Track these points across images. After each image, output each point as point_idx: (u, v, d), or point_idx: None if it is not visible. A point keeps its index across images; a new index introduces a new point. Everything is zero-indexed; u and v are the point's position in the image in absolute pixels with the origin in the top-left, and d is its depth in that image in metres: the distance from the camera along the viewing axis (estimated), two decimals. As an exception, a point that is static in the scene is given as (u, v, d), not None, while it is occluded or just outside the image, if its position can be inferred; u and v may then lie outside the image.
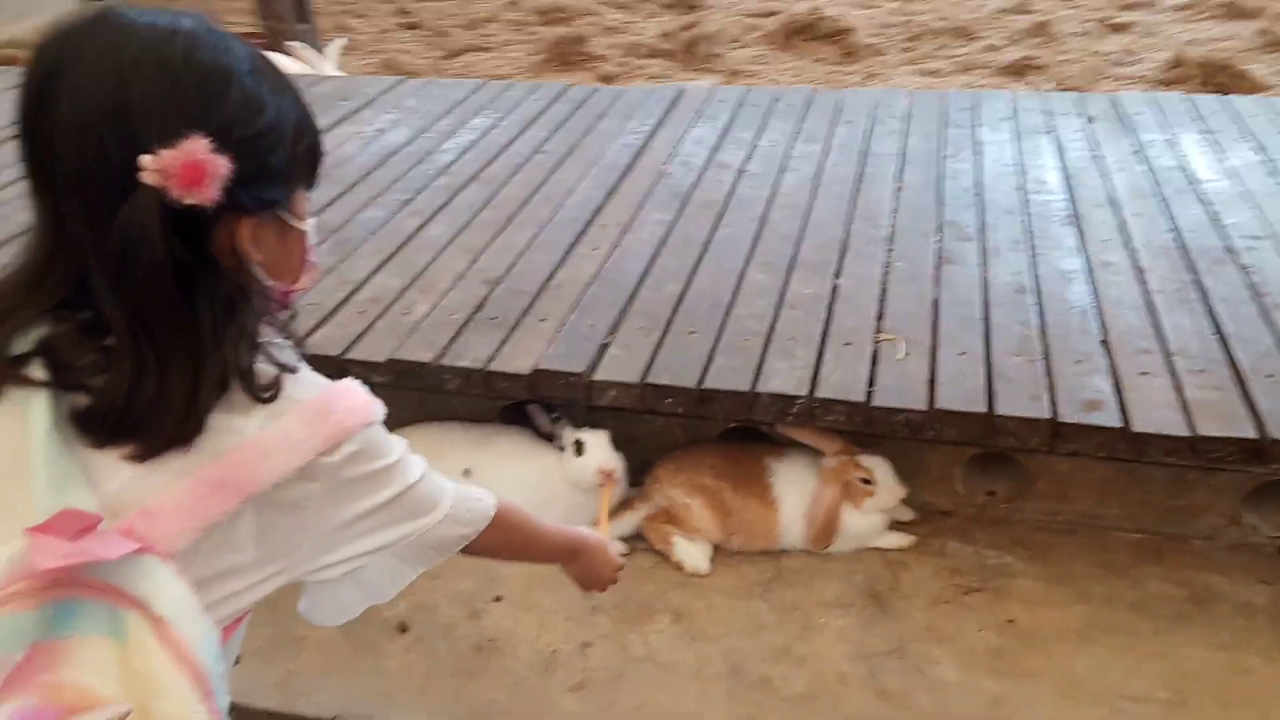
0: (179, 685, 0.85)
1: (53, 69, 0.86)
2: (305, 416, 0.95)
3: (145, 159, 0.83)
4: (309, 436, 0.95)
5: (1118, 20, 6.84)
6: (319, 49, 5.45)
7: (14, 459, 0.86)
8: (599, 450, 2.23)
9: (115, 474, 0.89)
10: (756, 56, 6.56)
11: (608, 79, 6.15)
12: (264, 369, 0.95)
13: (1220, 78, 5.68)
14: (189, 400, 0.89)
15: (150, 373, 0.87)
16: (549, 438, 2.27)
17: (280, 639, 2.05)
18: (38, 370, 0.88)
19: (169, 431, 0.88)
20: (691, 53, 6.55)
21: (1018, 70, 6.09)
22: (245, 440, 0.92)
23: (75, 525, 0.83)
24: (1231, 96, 3.47)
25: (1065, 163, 3.08)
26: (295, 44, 4.88)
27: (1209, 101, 3.47)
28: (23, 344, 0.88)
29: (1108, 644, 1.97)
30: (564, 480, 2.26)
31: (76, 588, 0.84)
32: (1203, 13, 6.94)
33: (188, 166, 0.84)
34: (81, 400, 0.88)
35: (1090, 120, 3.38)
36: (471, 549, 1.24)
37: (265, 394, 0.93)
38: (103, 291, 0.87)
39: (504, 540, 1.30)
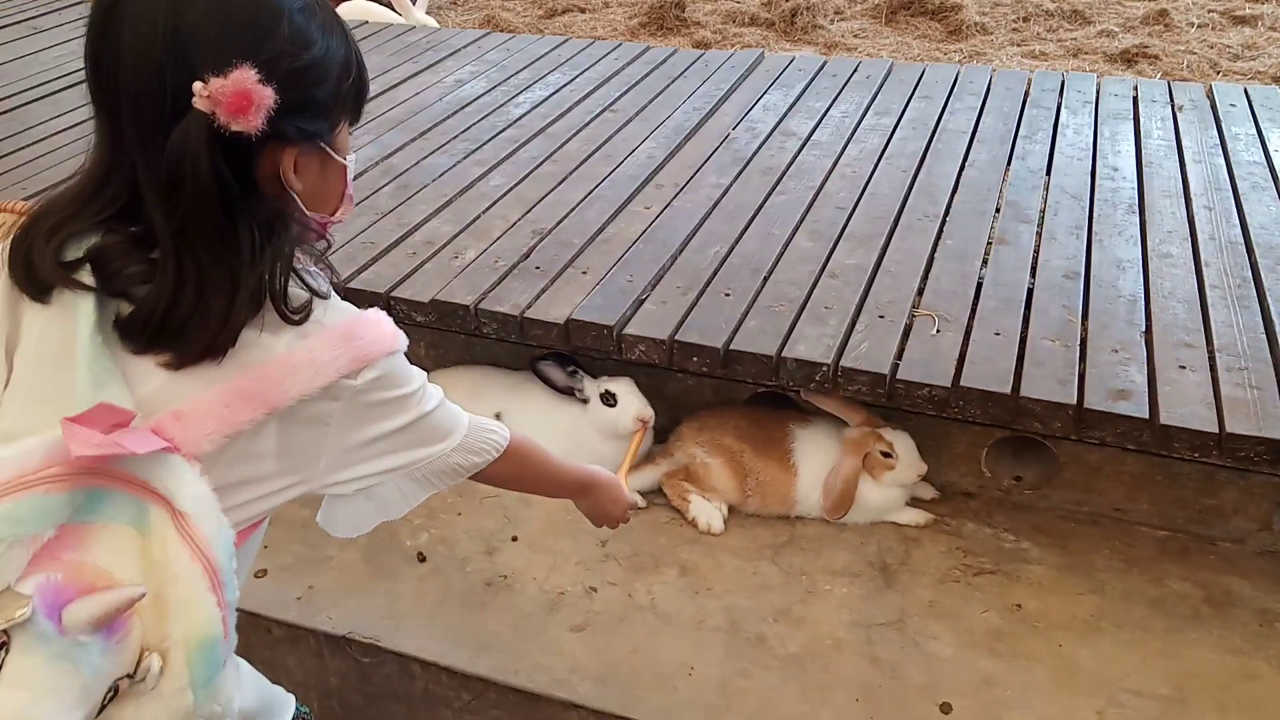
0: (192, 575, 0.92)
1: None
2: (332, 339, 1.01)
3: (197, 86, 0.90)
4: (334, 358, 1.01)
5: (1242, 12, 6.53)
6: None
7: (61, 356, 0.94)
8: (633, 399, 2.27)
9: (150, 378, 0.96)
10: (858, 30, 6.46)
11: (703, 45, 6.14)
12: (296, 292, 1.01)
13: (1346, 76, 5.40)
14: (225, 314, 0.95)
15: (190, 285, 0.94)
16: (568, 391, 2.32)
17: (307, 557, 2.15)
18: (86, 276, 0.95)
19: (204, 342, 0.95)
20: (792, 23, 6.49)
21: (1129, 58, 5.87)
22: (274, 356, 0.98)
23: (110, 419, 0.90)
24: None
25: (1142, 150, 2.98)
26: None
27: (1309, 96, 3.31)
28: (75, 251, 0.96)
29: (1116, 637, 1.94)
30: (593, 428, 2.30)
31: (107, 478, 0.92)
32: (1339, 7, 6.57)
33: (236, 95, 0.90)
34: (125, 307, 0.95)
35: (1179, 109, 3.26)
36: (484, 477, 1.30)
37: (296, 315, 1.00)
38: (151, 206, 0.94)
39: (516, 471, 1.37)
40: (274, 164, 0.99)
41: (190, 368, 0.96)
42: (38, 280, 0.96)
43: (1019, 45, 6.13)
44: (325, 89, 1.00)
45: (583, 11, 6.84)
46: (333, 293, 1.08)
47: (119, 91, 0.94)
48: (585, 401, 2.30)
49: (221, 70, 0.90)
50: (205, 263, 0.95)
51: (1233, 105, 3.27)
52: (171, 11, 0.91)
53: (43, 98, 3.65)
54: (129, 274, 0.95)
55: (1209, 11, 6.58)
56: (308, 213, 1.05)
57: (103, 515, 0.92)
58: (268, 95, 0.91)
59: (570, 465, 1.52)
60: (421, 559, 2.15)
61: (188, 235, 0.94)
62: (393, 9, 5.12)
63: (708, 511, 2.22)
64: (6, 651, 0.83)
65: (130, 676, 0.90)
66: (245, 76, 0.90)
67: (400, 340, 1.09)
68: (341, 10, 5.21)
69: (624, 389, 2.28)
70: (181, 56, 0.91)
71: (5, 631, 0.83)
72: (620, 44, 4.03)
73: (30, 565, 0.87)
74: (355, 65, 1.06)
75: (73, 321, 0.95)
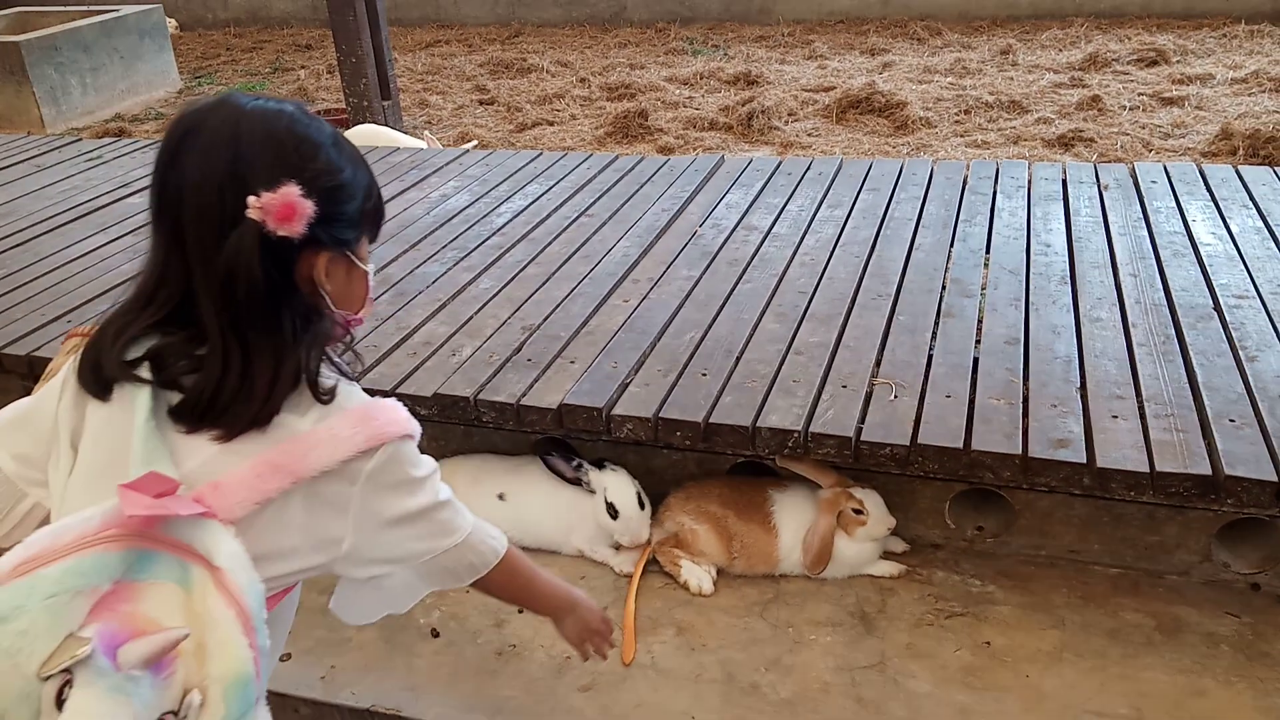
0: (228, 621, 1.07)
1: (185, 134, 1.14)
2: (351, 419, 1.19)
3: (251, 199, 1.10)
4: (352, 435, 1.18)
5: (1170, 94, 6.98)
6: (401, 125, 5.97)
7: (117, 441, 1.13)
8: (631, 523, 2.42)
9: (195, 454, 1.14)
10: (811, 129, 6.85)
11: (667, 150, 6.49)
12: (326, 377, 1.21)
13: (1267, 149, 5.80)
14: (268, 390, 1.14)
15: (235, 367, 1.13)
16: (575, 483, 2.47)
17: (328, 639, 2.31)
18: (145, 372, 1.15)
19: (250, 415, 1.13)
20: (749, 126, 6.87)
21: (1066, 142, 6.26)
22: (300, 433, 1.16)
23: (158, 486, 1.07)
24: (1244, 167, 3.62)
25: (1072, 227, 3.27)
26: (423, 131, 5.37)
27: (1219, 170, 3.63)
28: (136, 351, 1.16)
29: (1078, 666, 2.12)
30: (590, 508, 2.48)
31: (154, 541, 1.08)
32: (1257, 87, 7.05)
33: (283, 206, 1.10)
34: (175, 397, 1.14)
35: (1105, 188, 3.56)
36: (480, 584, 1.46)
37: (324, 396, 1.19)
38: (204, 305, 1.13)
39: (509, 580, 1.51)
40: (309, 267, 1.18)
41: (236, 440, 1.14)
42: (102, 379, 1.15)
43: (962, 136, 6.53)
44: (352, 206, 1.22)
45: (551, 124, 7.21)
46: (355, 382, 1.27)
47: (183, 208, 1.13)
48: (592, 492, 2.46)
49: (271, 186, 1.11)
50: (253, 347, 1.13)
51: (1154, 182, 3.59)
52: (233, 143, 1.12)
53: (51, 230, 3.89)
54: (180, 366, 1.14)
55: (1139, 95, 7.03)
56: (335, 310, 1.24)
57: (151, 574, 1.07)
58: (308, 206, 1.12)
59: (556, 582, 1.64)
60: (435, 634, 2.31)
61: (238, 324, 1.12)
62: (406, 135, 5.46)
63: (698, 574, 2.40)
64: (70, 686, 0.97)
65: (174, 713, 1.04)
66: (291, 190, 1.11)
67: (414, 427, 1.26)
68: (353, 134, 5.57)
69: (629, 509, 2.42)
70: (239, 178, 1.10)
71: (69, 669, 0.97)
72: (590, 154, 4.33)
73: (89, 615, 1.02)
74: (375, 191, 1.29)
75: (130, 411, 1.13)
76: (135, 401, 1.14)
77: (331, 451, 1.16)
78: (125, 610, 1.04)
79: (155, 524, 1.06)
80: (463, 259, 3.36)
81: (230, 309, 1.12)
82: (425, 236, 3.57)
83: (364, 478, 1.20)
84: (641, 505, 2.45)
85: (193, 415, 1.13)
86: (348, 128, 6.22)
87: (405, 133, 5.34)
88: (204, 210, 1.12)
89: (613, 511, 2.42)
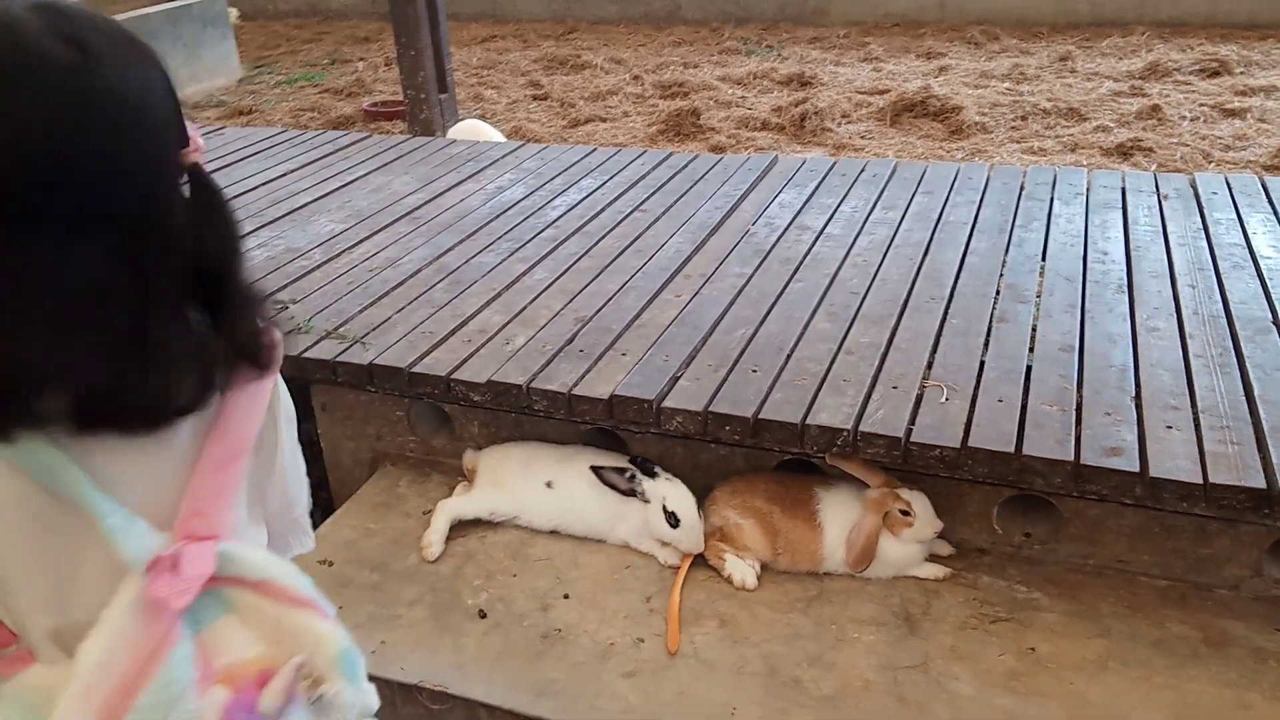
0: (303, 620, 1.07)
1: None
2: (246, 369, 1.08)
3: None
4: (258, 377, 1.09)
5: (1232, 105, 6.88)
6: (456, 119, 6.07)
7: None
8: (692, 532, 2.43)
9: (137, 486, 1.01)
10: (864, 132, 6.84)
11: (719, 150, 6.51)
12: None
13: (1331, 164, 5.70)
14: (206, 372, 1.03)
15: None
16: (629, 494, 2.47)
17: (378, 616, 2.36)
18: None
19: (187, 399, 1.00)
20: (802, 127, 6.87)
21: (1125, 151, 6.20)
22: (223, 408, 1.06)
23: (170, 564, 1.00)
24: (1308, 180, 3.57)
25: (1130, 236, 3.24)
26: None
27: (1283, 183, 3.59)
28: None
29: (1123, 675, 2.11)
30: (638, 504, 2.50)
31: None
32: (1323, 100, 6.92)
33: None
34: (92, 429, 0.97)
35: (1165, 198, 3.53)
36: None
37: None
38: None
39: None
40: None
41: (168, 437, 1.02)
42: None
43: (1019, 142, 6.48)
44: None
45: (604, 121, 7.26)
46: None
47: None
48: (647, 501, 2.46)
49: None
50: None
51: (1214, 193, 3.54)
52: None
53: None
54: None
55: (1200, 105, 6.93)
56: None
57: (205, 622, 1.04)
58: None
59: None
60: (482, 615, 2.35)
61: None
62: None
63: (742, 569, 2.42)
64: None
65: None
66: None
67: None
68: (458, 129, 5.68)
69: (690, 518, 2.43)
70: None
71: None
72: (644, 151, 4.36)
73: (199, 696, 1.00)
74: None
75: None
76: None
77: (258, 406, 1.10)
78: (221, 666, 1.03)
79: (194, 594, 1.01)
80: (517, 250, 3.41)
81: None
82: (481, 227, 3.62)
83: (278, 411, 1.15)
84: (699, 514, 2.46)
85: (108, 421, 0.98)
86: (405, 120, 6.33)
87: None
88: None
89: (673, 520, 2.42)
